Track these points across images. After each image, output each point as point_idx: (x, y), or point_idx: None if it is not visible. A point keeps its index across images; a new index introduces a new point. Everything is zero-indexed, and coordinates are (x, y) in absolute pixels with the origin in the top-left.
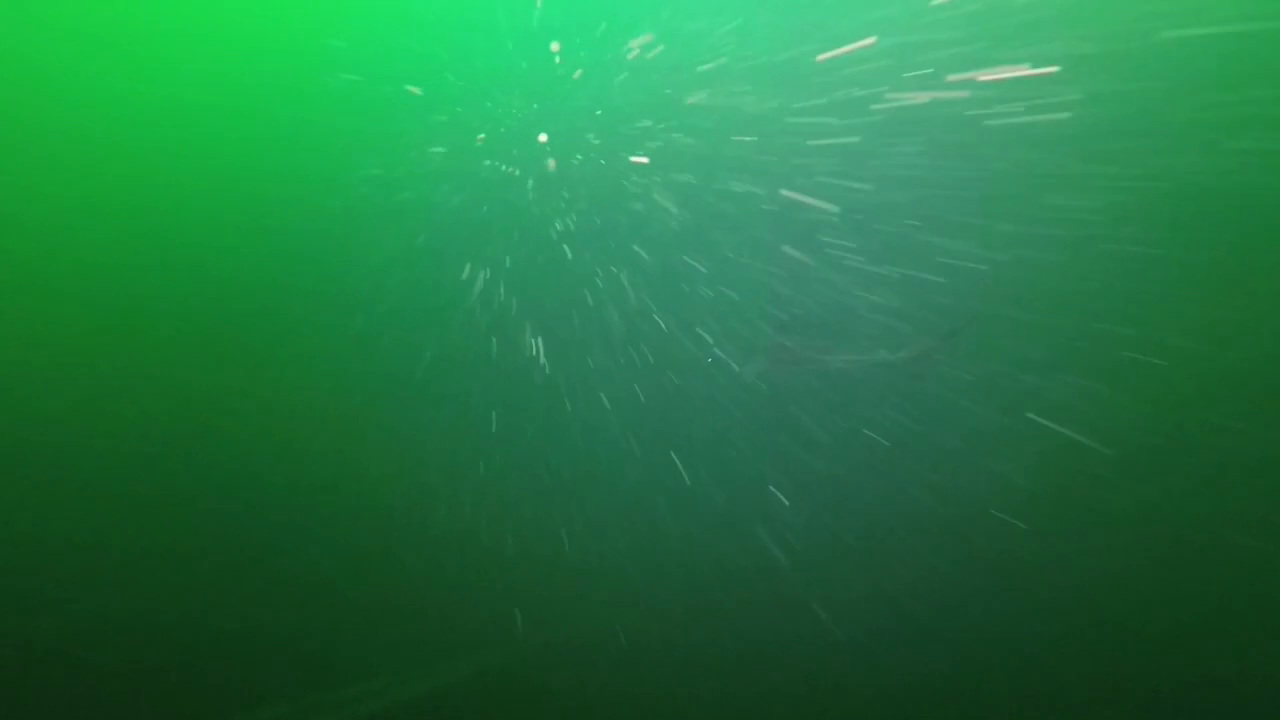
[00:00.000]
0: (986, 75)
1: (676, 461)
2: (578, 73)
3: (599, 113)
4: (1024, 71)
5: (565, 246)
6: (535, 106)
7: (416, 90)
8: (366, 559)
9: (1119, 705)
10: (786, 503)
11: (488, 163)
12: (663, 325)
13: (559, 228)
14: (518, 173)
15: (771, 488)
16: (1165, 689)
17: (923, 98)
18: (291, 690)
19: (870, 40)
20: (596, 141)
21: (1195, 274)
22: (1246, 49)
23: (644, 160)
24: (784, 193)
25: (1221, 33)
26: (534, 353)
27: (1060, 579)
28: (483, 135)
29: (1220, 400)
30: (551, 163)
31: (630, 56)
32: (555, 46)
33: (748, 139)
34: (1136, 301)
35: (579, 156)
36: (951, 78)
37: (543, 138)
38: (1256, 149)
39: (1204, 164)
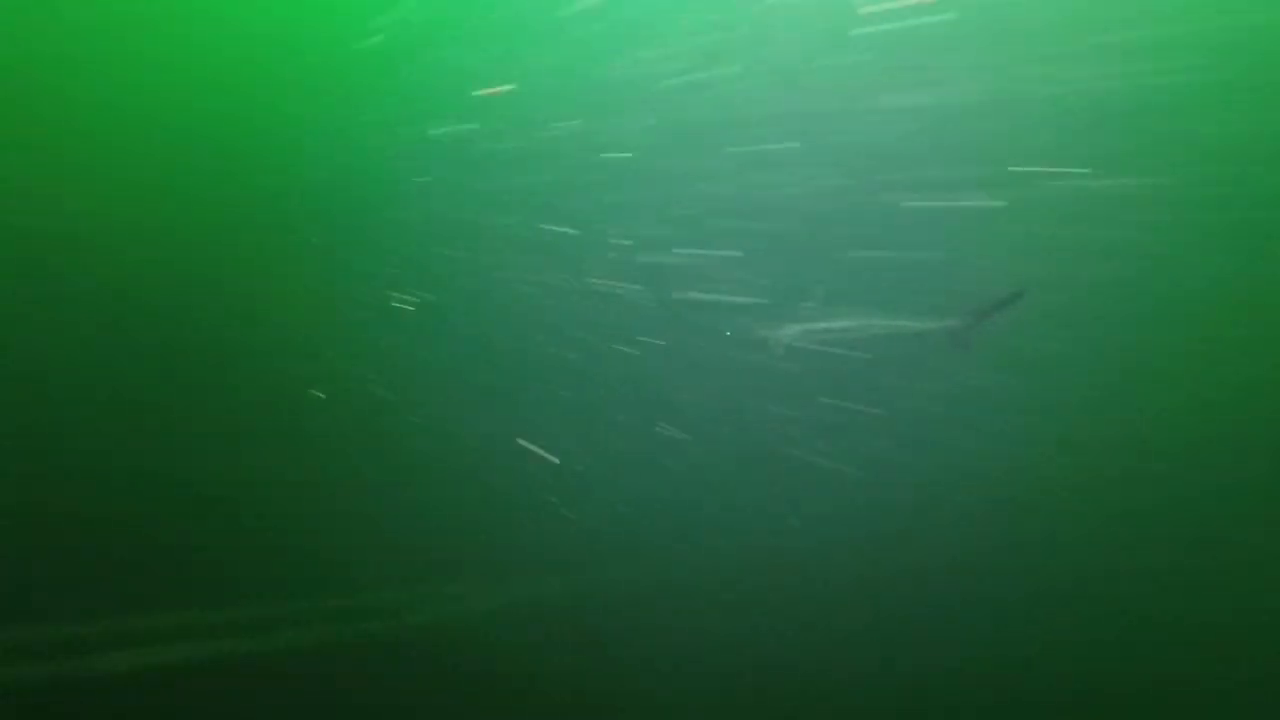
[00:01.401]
0: None
1: (673, 452)
2: None
3: None
4: None
5: None
6: None
7: None
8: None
9: (1126, 705)
10: (793, 496)
11: None
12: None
13: None
14: None
15: (779, 479)
16: (1177, 688)
17: None
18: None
19: None
20: None
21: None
22: None
23: None
24: None
25: None
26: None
27: (1077, 574)
28: None
29: (1233, 404)
30: None
31: None
32: None
33: None
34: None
35: None
36: None
37: None
38: None
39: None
